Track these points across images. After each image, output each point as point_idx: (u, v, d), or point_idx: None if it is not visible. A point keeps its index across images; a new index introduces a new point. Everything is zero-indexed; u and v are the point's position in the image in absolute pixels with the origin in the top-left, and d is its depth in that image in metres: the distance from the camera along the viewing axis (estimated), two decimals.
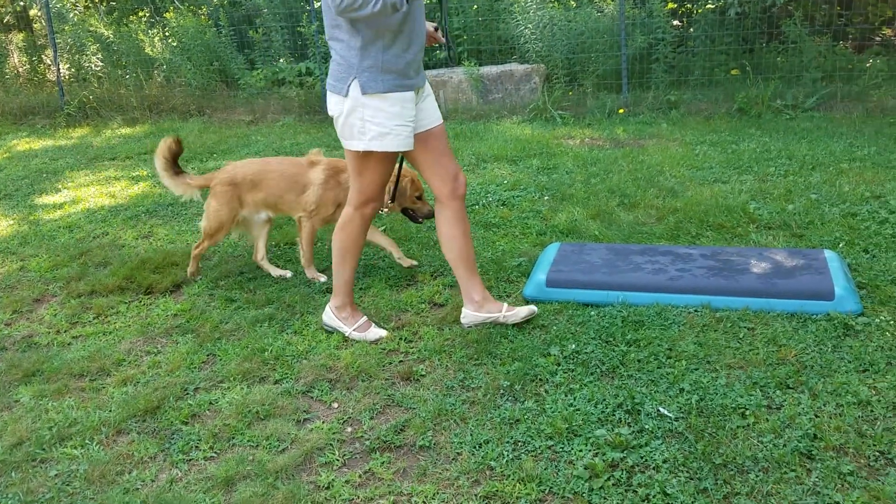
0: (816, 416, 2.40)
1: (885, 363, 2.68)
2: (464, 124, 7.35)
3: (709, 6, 8.75)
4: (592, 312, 3.20)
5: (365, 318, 3.21)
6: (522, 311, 3.13)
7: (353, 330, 3.15)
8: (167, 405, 2.75)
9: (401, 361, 2.96)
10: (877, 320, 2.97)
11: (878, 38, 9.68)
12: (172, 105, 8.87)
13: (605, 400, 2.56)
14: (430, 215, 3.58)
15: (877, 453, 2.23)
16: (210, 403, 2.75)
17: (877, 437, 2.28)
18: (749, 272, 3.31)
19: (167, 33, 9.87)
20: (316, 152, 3.82)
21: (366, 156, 2.87)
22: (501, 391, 2.69)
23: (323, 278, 3.75)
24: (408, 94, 2.82)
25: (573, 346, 2.93)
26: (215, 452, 2.47)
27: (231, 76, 9.27)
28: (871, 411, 2.42)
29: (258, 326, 3.32)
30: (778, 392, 2.55)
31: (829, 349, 2.79)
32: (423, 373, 2.86)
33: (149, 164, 6.45)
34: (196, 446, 2.51)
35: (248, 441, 2.51)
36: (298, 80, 8.81)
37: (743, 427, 2.37)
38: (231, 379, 2.90)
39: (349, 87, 2.76)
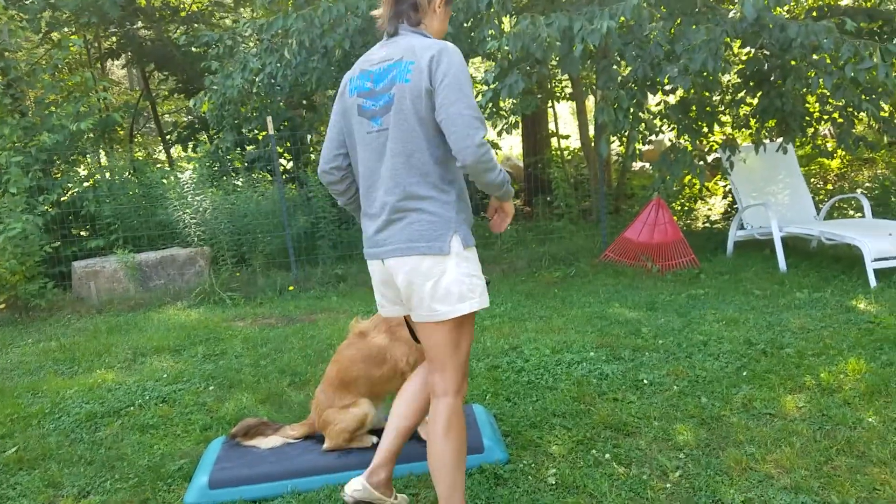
0: None
1: None
2: (120, 316, 6.83)
3: None
4: None
5: None
6: None
7: None
8: None
9: None
10: (521, 465, 3.23)
11: None
12: None
13: None
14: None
15: None
16: None
17: None
18: (414, 437, 3.41)
19: None
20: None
21: (463, 322, 2.57)
22: None
23: None
24: None
25: None
26: None
27: None
28: None
29: None
30: None
31: (484, 501, 2.94)
32: None
33: None
34: None
35: None
36: None
37: None
38: None
39: (450, 243, 2.51)
